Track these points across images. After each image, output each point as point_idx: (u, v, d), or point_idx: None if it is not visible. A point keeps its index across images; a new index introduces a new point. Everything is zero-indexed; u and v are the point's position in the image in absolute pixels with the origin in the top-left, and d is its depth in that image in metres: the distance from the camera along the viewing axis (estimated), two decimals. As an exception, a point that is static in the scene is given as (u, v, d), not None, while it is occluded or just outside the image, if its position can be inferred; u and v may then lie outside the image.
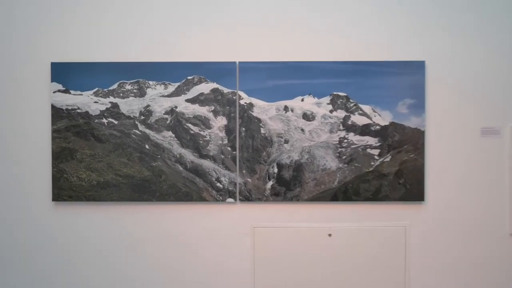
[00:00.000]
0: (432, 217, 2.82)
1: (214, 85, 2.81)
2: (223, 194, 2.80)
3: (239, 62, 2.78)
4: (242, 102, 2.80)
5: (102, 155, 2.78)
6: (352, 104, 2.80)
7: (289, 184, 2.80)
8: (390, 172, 2.78)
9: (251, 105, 2.81)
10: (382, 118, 2.78)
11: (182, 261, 2.82)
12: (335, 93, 2.80)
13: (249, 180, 2.80)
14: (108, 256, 2.83)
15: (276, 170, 2.81)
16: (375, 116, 2.79)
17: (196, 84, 2.82)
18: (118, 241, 2.82)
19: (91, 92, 2.80)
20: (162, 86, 2.82)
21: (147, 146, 2.80)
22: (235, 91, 2.80)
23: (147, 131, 2.81)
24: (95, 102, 2.80)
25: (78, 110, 2.79)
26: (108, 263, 2.83)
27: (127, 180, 2.77)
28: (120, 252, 2.82)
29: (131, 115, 2.81)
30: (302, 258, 2.79)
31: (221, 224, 2.82)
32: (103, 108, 2.80)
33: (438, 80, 2.80)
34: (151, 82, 2.82)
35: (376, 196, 2.78)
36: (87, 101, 2.79)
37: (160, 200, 2.78)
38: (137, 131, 2.81)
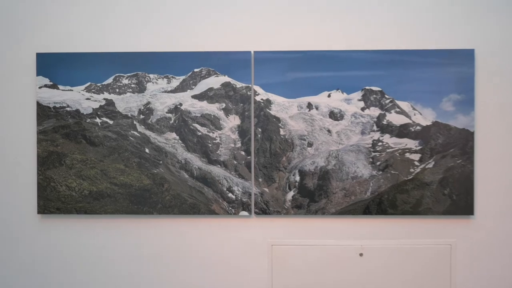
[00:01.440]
0: (483, 234, 2.39)
1: (226, 78, 2.41)
2: (236, 207, 2.39)
3: (255, 52, 2.37)
4: (258, 98, 2.39)
5: (95, 160, 2.39)
6: (387, 101, 2.38)
7: (313, 195, 2.39)
8: (433, 180, 2.35)
9: (268, 102, 2.40)
10: (424, 117, 2.36)
11: (187, 283, 2.42)
12: (367, 87, 2.38)
13: (266, 190, 2.39)
14: (102, 277, 2.44)
15: (298, 178, 2.40)
16: (415, 114, 2.37)
17: (204, 77, 2.42)
18: (113, 260, 2.43)
19: (83, 87, 2.42)
20: (165, 80, 2.43)
21: (147, 150, 2.41)
22: (250, 85, 2.39)
23: (147, 132, 2.42)
24: (87, 98, 2.41)
25: (68, 108, 2.41)
26: (102, 285, 2.43)
27: (124, 189, 2.38)
28: (116, 273, 2.44)
29: (129, 114, 2.42)
30: (328, 281, 2.38)
31: (233, 241, 2.42)
32: (96, 105, 2.41)
33: (490, 72, 2.38)
34: (151, 76, 2.42)
35: (416, 209, 2.36)
36: (77, 98, 2.41)
37: (162, 213, 2.38)
38: (135, 133, 2.41)
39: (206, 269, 2.41)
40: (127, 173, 2.38)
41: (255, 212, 2.40)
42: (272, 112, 2.40)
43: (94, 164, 2.39)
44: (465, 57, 2.34)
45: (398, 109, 2.38)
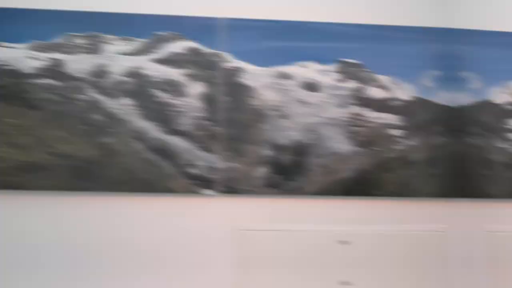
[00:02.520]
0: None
1: (192, 43, 2.19)
2: (199, 184, 2.05)
3: (225, 18, 2.19)
4: (227, 65, 2.17)
5: (32, 126, 2.02)
6: (366, 74, 2.22)
7: (287, 172, 2.09)
8: (420, 159, 2.13)
9: (239, 70, 2.18)
10: (405, 92, 2.20)
11: (137, 272, 1.97)
12: (345, 59, 2.22)
13: (234, 165, 2.08)
14: (37, 264, 1.96)
15: (270, 152, 2.11)
16: (394, 89, 2.21)
17: (168, 41, 2.19)
18: (50, 243, 1.97)
19: (26, 45, 2.11)
20: (124, 42, 2.17)
21: (96, 117, 2.07)
22: (219, 51, 2.17)
23: (99, 96, 2.10)
24: (31, 57, 2.10)
25: (6, 67, 2.08)
26: (37, 274, 1.95)
27: (64, 160, 2.00)
28: (54, 259, 1.96)
29: (79, 76, 2.11)
30: (305, 272, 2.00)
31: (194, 225, 2.04)
32: (41, 65, 2.10)
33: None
34: (109, 37, 2.17)
35: (404, 191, 2.10)
36: (19, 56, 2.10)
37: (110, 190, 2.00)
38: (84, 96, 2.09)
39: (160, 258, 1.99)
40: (69, 142, 2.02)
41: (221, 191, 2.05)
42: (243, 81, 2.17)
43: (30, 131, 2.01)
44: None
45: (377, 83, 2.21)
